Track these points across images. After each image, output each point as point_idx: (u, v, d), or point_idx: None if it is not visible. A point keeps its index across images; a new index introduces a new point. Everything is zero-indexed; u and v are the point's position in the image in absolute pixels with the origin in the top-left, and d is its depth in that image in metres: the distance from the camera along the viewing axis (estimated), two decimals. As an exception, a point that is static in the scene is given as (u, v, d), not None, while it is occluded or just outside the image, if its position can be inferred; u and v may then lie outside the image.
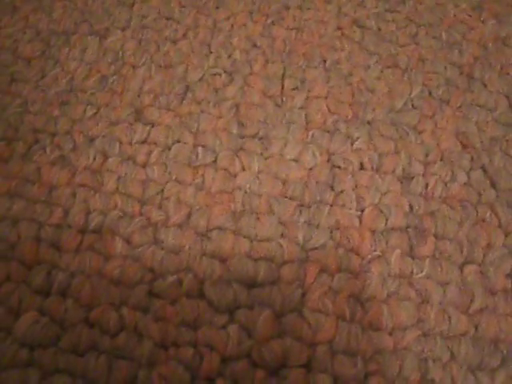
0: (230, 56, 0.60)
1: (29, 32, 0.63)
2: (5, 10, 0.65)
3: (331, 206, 0.49)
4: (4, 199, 0.49)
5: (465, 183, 0.51)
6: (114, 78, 0.58)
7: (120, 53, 0.61)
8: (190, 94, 0.56)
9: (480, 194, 0.50)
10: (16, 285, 0.44)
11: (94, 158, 0.52)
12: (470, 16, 0.65)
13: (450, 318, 0.43)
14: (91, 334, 0.42)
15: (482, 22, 0.64)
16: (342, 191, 0.50)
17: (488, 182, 0.51)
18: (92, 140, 0.53)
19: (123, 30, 0.63)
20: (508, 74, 0.59)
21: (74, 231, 0.47)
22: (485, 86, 0.58)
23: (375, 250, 0.46)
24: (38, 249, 0.46)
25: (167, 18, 0.64)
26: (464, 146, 0.53)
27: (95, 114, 0.55)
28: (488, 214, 0.49)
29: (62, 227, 0.48)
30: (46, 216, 0.48)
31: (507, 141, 0.54)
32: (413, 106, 0.56)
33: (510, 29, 0.64)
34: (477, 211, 0.49)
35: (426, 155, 0.53)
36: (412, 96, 0.57)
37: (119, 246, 0.46)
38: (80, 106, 0.56)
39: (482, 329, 0.43)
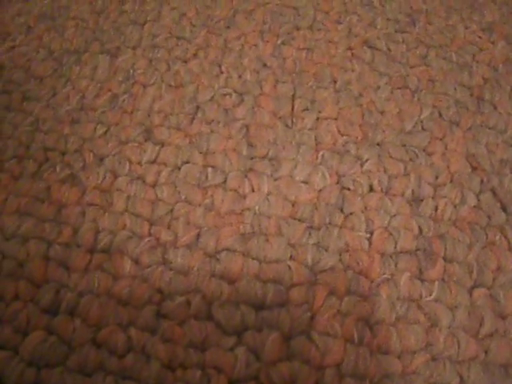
0: (240, 76, 0.60)
1: (42, 51, 0.63)
2: (20, 30, 0.66)
3: (340, 228, 0.49)
4: (14, 217, 0.49)
5: (474, 206, 0.51)
6: (125, 96, 0.58)
7: (131, 71, 0.61)
8: (200, 114, 0.57)
9: (490, 217, 0.50)
10: (24, 303, 0.44)
11: (104, 177, 0.52)
12: (480, 37, 0.65)
13: (459, 342, 0.43)
14: (99, 355, 0.42)
15: (492, 43, 0.65)
16: (351, 213, 0.50)
17: (498, 204, 0.51)
18: (102, 159, 0.53)
19: (134, 48, 0.64)
20: (518, 95, 0.59)
21: (83, 250, 0.47)
22: (495, 107, 0.58)
23: (384, 273, 0.46)
24: (46, 268, 0.46)
25: (178, 38, 0.65)
26: (474, 168, 0.53)
27: (105, 132, 0.56)
28: (498, 237, 0.49)
29: (71, 246, 0.48)
30: (55, 235, 0.48)
31: (517, 163, 0.54)
32: (423, 127, 0.56)
33: (520, 50, 0.64)
34: (486, 234, 0.49)
35: (436, 177, 0.52)
36: (422, 117, 0.57)
37: (128, 266, 0.46)
38: (90, 124, 0.56)
39: (492, 353, 0.43)
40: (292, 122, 0.56)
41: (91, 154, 0.54)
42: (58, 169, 0.53)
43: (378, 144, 0.55)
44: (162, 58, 0.62)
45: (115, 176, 0.52)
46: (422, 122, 0.57)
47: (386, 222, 0.49)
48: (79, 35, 0.65)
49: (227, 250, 0.47)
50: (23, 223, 0.49)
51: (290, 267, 0.46)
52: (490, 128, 0.56)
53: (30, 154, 0.54)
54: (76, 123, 0.56)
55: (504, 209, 0.51)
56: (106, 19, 0.67)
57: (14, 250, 0.47)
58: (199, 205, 0.50)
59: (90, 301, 0.44)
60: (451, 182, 0.52)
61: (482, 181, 0.52)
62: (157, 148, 0.54)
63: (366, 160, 0.53)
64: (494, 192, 0.52)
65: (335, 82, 0.60)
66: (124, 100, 0.58)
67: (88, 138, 0.55)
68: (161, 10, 0.68)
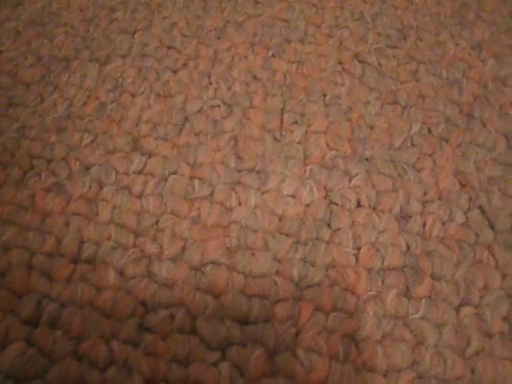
0: (229, 88, 0.60)
1: (30, 57, 0.63)
2: (8, 35, 0.65)
3: (327, 243, 0.48)
4: (-4, 225, 0.49)
5: (462, 223, 0.51)
6: (113, 105, 0.58)
7: (120, 80, 0.61)
8: (188, 125, 0.56)
9: (477, 235, 0.50)
10: (4, 314, 0.44)
11: (90, 187, 0.51)
12: (470, 55, 0.65)
13: (445, 360, 0.43)
14: (80, 368, 0.41)
15: (482, 61, 0.65)
16: (338, 229, 0.49)
17: (486, 222, 0.51)
18: (88, 168, 0.53)
19: (124, 57, 0.63)
20: (507, 113, 0.59)
21: (67, 260, 0.47)
22: (484, 125, 0.58)
23: (371, 290, 0.46)
24: (28, 277, 0.46)
25: (168, 47, 0.65)
26: (462, 186, 0.53)
27: (92, 141, 0.55)
28: (485, 255, 0.49)
29: (55, 256, 0.47)
30: (39, 244, 0.48)
31: (506, 181, 0.54)
32: (412, 143, 0.56)
33: (509, 69, 0.64)
34: (474, 252, 0.49)
35: (424, 194, 0.52)
36: (411, 133, 0.57)
37: (112, 277, 0.46)
38: (77, 133, 0.56)
39: (478, 373, 0.42)
40: (281, 135, 0.56)
41: (77, 163, 0.53)
42: (43, 177, 0.52)
43: (366, 159, 0.54)
44: (151, 68, 0.62)
45: (101, 186, 0.52)
46: (411, 137, 0.57)
47: (374, 238, 0.49)
48: (69, 42, 0.65)
49: (213, 263, 0.47)
50: (6, 231, 0.48)
51: (275, 282, 0.46)
52: (478, 145, 0.56)
53: (14, 161, 0.53)
54: (63, 131, 0.56)
55: (492, 227, 0.51)
56: (97, 27, 0.67)
57: (-5, 259, 0.47)
58: (185, 217, 0.49)
59: (72, 312, 0.44)
60: (439, 198, 0.52)
61: (470, 198, 0.52)
62: (144, 158, 0.53)
63: (355, 175, 0.53)
64: (482, 210, 0.52)
65: (325, 95, 0.60)
66: (112, 109, 0.58)
67: (74, 147, 0.54)
68: (152, 19, 0.68)
